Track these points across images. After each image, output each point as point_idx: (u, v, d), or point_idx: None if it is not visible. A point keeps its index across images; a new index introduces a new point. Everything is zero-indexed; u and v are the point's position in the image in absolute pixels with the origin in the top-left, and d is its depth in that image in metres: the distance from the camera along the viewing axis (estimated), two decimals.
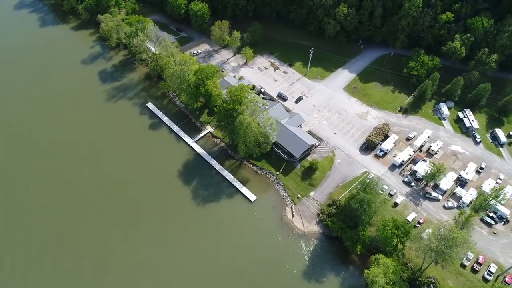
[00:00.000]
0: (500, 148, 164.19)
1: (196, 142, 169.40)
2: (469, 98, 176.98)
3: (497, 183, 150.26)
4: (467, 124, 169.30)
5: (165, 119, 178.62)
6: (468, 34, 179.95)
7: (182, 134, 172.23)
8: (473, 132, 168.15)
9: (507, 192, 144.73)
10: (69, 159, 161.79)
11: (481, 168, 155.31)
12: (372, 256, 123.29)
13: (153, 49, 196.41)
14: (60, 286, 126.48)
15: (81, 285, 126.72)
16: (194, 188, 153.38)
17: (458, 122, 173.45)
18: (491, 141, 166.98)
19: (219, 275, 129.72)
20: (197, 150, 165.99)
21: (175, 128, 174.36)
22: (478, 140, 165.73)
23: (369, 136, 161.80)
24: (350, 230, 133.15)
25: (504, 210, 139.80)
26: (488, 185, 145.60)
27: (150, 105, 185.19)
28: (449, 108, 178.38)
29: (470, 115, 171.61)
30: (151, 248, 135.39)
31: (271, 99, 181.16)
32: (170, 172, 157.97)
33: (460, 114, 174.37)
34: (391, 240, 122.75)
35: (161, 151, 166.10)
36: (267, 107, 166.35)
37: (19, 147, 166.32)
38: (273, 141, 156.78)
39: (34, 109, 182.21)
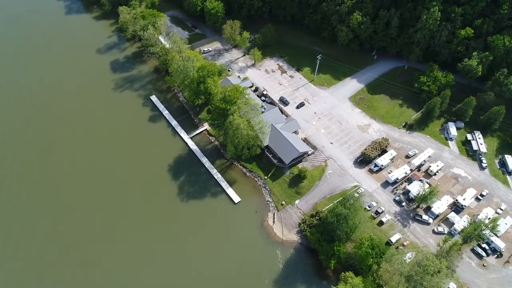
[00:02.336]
0: (507, 176, 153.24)
1: (191, 138, 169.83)
2: (482, 120, 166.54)
3: (496, 212, 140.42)
4: (475, 147, 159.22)
5: (166, 112, 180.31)
6: (487, 53, 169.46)
7: (179, 129, 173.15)
8: (480, 156, 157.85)
9: (506, 223, 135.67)
10: (64, 143, 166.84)
11: (482, 195, 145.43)
12: (342, 273, 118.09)
13: (165, 43, 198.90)
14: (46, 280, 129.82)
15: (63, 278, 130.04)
16: (180, 183, 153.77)
17: (466, 144, 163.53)
18: (498, 167, 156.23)
19: (187, 275, 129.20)
20: (191, 146, 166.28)
21: (173, 123, 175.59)
22: (484, 165, 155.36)
23: (365, 150, 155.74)
24: (327, 244, 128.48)
25: (498, 242, 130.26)
26: (485, 214, 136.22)
27: (153, 97, 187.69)
28: (458, 129, 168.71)
29: (479, 138, 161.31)
30: (128, 241, 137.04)
31: (272, 102, 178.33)
32: (160, 165, 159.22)
33: (469, 136, 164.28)
34: (365, 259, 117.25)
35: (155, 143, 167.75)
36: (264, 110, 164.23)
37: (20, 126, 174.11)
38: (264, 145, 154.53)
39: (41, 91, 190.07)
